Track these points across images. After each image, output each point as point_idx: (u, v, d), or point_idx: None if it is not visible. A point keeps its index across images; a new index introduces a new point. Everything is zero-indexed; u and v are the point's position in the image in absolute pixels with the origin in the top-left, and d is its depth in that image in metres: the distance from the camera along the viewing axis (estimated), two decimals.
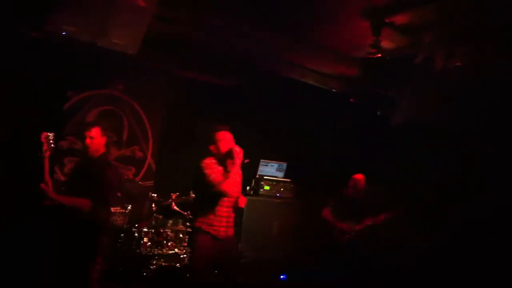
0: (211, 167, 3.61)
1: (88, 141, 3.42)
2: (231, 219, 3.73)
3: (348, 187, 4.96)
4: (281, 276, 5.20)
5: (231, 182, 3.61)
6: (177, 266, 4.78)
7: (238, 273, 3.89)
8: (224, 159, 3.69)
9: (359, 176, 4.94)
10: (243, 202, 3.75)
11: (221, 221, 3.66)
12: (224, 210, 3.67)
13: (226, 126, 3.78)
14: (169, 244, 4.94)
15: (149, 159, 5.88)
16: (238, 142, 6.56)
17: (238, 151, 3.60)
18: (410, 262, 4.49)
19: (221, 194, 3.61)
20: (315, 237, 5.04)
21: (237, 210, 6.15)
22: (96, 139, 3.44)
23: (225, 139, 3.69)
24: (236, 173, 3.68)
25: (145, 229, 4.81)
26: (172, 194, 5.18)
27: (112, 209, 4.77)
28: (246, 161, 3.69)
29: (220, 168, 3.67)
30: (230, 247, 3.72)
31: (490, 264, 4.03)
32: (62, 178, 5.25)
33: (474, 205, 4.26)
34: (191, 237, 3.92)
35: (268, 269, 5.21)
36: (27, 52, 4.67)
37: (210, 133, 3.76)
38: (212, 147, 3.72)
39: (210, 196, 3.64)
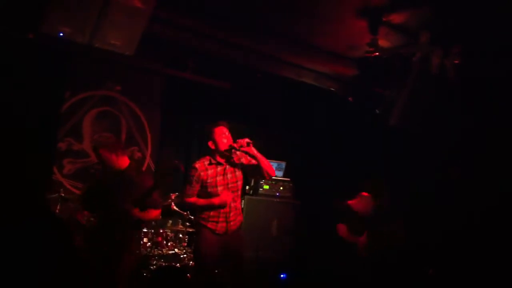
0: (193, 174, 3.66)
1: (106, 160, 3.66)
2: (231, 214, 3.71)
3: (356, 204, 4.88)
4: (281, 275, 5.21)
5: (195, 204, 3.71)
6: (177, 266, 4.79)
7: (240, 270, 3.83)
8: (222, 155, 3.70)
9: (368, 198, 4.84)
10: (242, 141, 3.64)
11: (218, 216, 3.67)
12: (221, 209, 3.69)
13: (224, 122, 3.77)
14: (168, 244, 4.95)
15: (148, 160, 5.88)
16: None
17: (240, 142, 3.61)
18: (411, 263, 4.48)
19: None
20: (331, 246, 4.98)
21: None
22: (110, 158, 3.59)
23: (223, 135, 3.68)
24: (230, 172, 3.72)
25: (145, 230, 4.81)
26: (171, 194, 5.18)
27: None
28: (248, 141, 3.62)
29: (219, 171, 3.69)
30: (232, 242, 3.72)
31: (489, 264, 4.03)
32: (61, 179, 5.25)
33: (473, 207, 4.26)
34: (195, 231, 3.98)
35: (267, 268, 5.22)
36: (24, 54, 4.67)
37: (207, 129, 3.76)
38: (210, 143, 3.70)
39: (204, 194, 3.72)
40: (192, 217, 4.93)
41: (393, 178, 4.88)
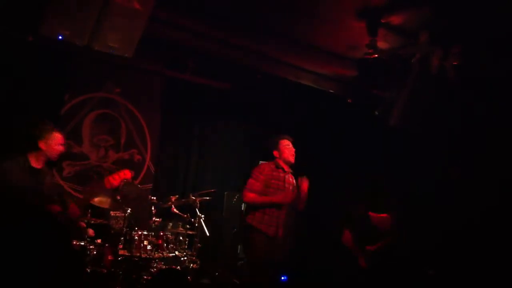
0: (259, 173, 4.04)
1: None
2: (281, 219, 4.03)
3: (377, 217, 4.84)
4: (282, 278, 5.19)
5: (256, 201, 3.97)
6: (177, 269, 4.77)
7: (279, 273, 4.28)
8: (287, 163, 4.16)
9: (390, 218, 4.81)
10: (305, 184, 4.05)
11: (271, 220, 3.96)
12: (274, 210, 3.97)
13: (290, 137, 4.30)
14: (169, 247, 4.93)
15: (148, 162, 5.87)
16: (237, 143, 6.55)
17: (303, 181, 4.04)
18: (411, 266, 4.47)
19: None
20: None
21: (237, 211, 6.18)
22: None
23: (288, 146, 4.19)
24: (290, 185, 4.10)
25: (145, 232, 4.80)
26: (171, 196, 5.17)
27: (112, 213, 4.77)
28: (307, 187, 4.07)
29: (280, 175, 4.08)
30: (279, 246, 4.03)
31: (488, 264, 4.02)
32: (61, 182, 5.24)
33: (473, 208, 4.25)
34: (244, 232, 4.17)
35: (268, 270, 5.20)
36: (24, 56, 4.67)
37: (272, 140, 4.28)
38: (275, 153, 4.19)
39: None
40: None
41: (393, 178, 4.88)
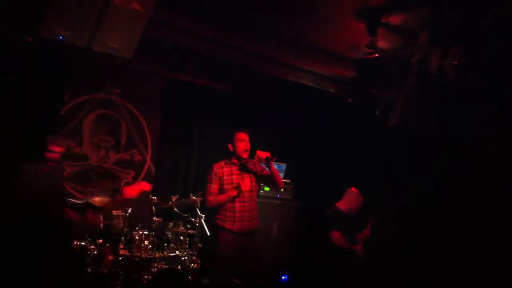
0: (213, 174, 4.15)
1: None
2: (246, 213, 4.10)
3: (343, 202, 4.93)
4: (282, 277, 5.20)
5: (216, 201, 4.14)
6: (178, 269, 4.78)
7: (255, 268, 4.22)
8: (238, 158, 4.17)
9: (356, 192, 4.92)
10: (263, 155, 4.08)
11: (233, 215, 4.06)
12: (236, 205, 4.06)
13: (246, 128, 4.25)
14: (170, 246, 4.94)
15: (148, 162, 5.88)
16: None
17: (260, 154, 4.06)
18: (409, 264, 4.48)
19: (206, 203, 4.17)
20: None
21: None
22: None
23: (243, 140, 4.16)
24: (248, 176, 4.17)
25: (146, 232, 4.80)
26: (172, 196, 5.17)
27: (114, 212, 4.78)
28: (268, 156, 4.08)
29: (233, 170, 4.13)
30: (249, 242, 4.11)
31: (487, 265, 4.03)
32: None
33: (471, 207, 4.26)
34: (213, 232, 4.31)
35: (268, 270, 5.21)
36: (23, 58, 4.68)
37: (231, 132, 4.26)
38: (229, 145, 4.19)
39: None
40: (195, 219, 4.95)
41: (393, 178, 4.88)
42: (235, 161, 4.20)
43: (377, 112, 4.40)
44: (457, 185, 4.48)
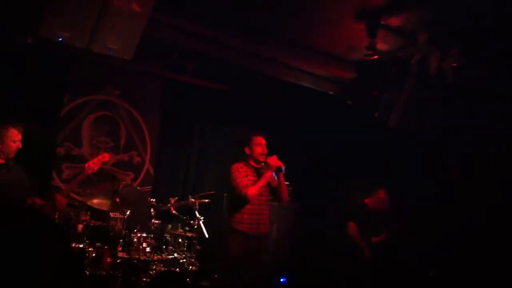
0: (237, 172, 4.03)
1: None
2: (263, 216, 4.03)
3: (372, 201, 4.91)
4: (281, 279, 5.18)
5: (256, 188, 3.94)
6: (176, 271, 4.76)
7: (265, 272, 4.20)
8: (256, 162, 4.11)
9: (385, 195, 4.88)
10: (274, 161, 4.01)
11: (251, 218, 3.94)
12: (255, 208, 3.95)
13: (263, 133, 4.23)
14: (168, 249, 4.92)
15: (147, 164, 5.87)
16: (237, 145, 6.56)
17: (272, 160, 3.99)
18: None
19: (244, 198, 3.93)
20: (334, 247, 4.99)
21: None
22: None
23: (260, 145, 4.12)
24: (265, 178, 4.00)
25: (144, 234, 4.79)
26: (170, 198, 5.16)
27: (111, 214, 4.76)
28: (281, 167, 4.03)
29: (249, 171, 4.04)
30: (261, 245, 4.02)
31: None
32: (60, 184, 5.24)
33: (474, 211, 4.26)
34: (225, 235, 4.17)
35: (267, 272, 5.19)
36: (23, 59, 4.67)
37: (246, 136, 4.23)
38: (246, 149, 4.16)
39: (239, 196, 3.98)
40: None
41: (393, 178, 4.88)
42: (252, 163, 4.15)
43: (376, 114, 4.41)
44: (457, 185, 4.49)
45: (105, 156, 3.84)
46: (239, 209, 3.99)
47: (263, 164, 4.12)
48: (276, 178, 4.14)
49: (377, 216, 4.81)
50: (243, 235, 3.92)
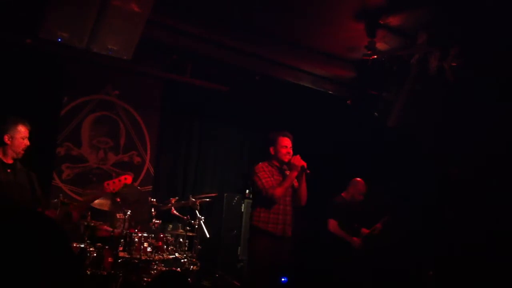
0: (263, 171, 3.87)
1: None
2: (289, 217, 3.88)
3: (347, 192, 4.96)
4: (282, 279, 5.18)
5: (283, 189, 3.80)
6: (178, 271, 4.77)
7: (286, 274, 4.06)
8: (280, 162, 3.96)
9: (359, 180, 4.94)
10: (298, 160, 3.84)
11: (277, 218, 3.81)
12: (280, 208, 3.82)
13: (290, 134, 4.03)
14: (169, 249, 4.93)
15: (148, 164, 5.87)
16: (236, 145, 6.55)
17: (296, 160, 3.82)
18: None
19: (271, 199, 3.78)
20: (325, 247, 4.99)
21: (237, 213, 6.15)
22: None
23: (285, 147, 3.94)
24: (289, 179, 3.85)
25: (145, 234, 4.80)
26: (171, 198, 5.16)
27: (118, 216, 4.77)
28: (305, 167, 3.87)
29: (274, 172, 3.91)
30: (286, 246, 3.89)
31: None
32: (61, 184, 5.24)
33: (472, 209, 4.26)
34: (249, 234, 4.01)
35: (271, 273, 5.19)
36: (23, 59, 4.67)
37: (271, 135, 4.04)
38: (271, 149, 3.97)
39: (265, 197, 3.82)
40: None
41: (392, 178, 4.88)
42: (276, 163, 3.98)
43: (376, 114, 4.41)
44: (457, 185, 4.49)
45: (128, 178, 3.60)
46: (265, 209, 3.82)
47: (285, 165, 3.97)
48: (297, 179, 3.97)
49: (360, 206, 4.84)
50: (270, 236, 3.78)
